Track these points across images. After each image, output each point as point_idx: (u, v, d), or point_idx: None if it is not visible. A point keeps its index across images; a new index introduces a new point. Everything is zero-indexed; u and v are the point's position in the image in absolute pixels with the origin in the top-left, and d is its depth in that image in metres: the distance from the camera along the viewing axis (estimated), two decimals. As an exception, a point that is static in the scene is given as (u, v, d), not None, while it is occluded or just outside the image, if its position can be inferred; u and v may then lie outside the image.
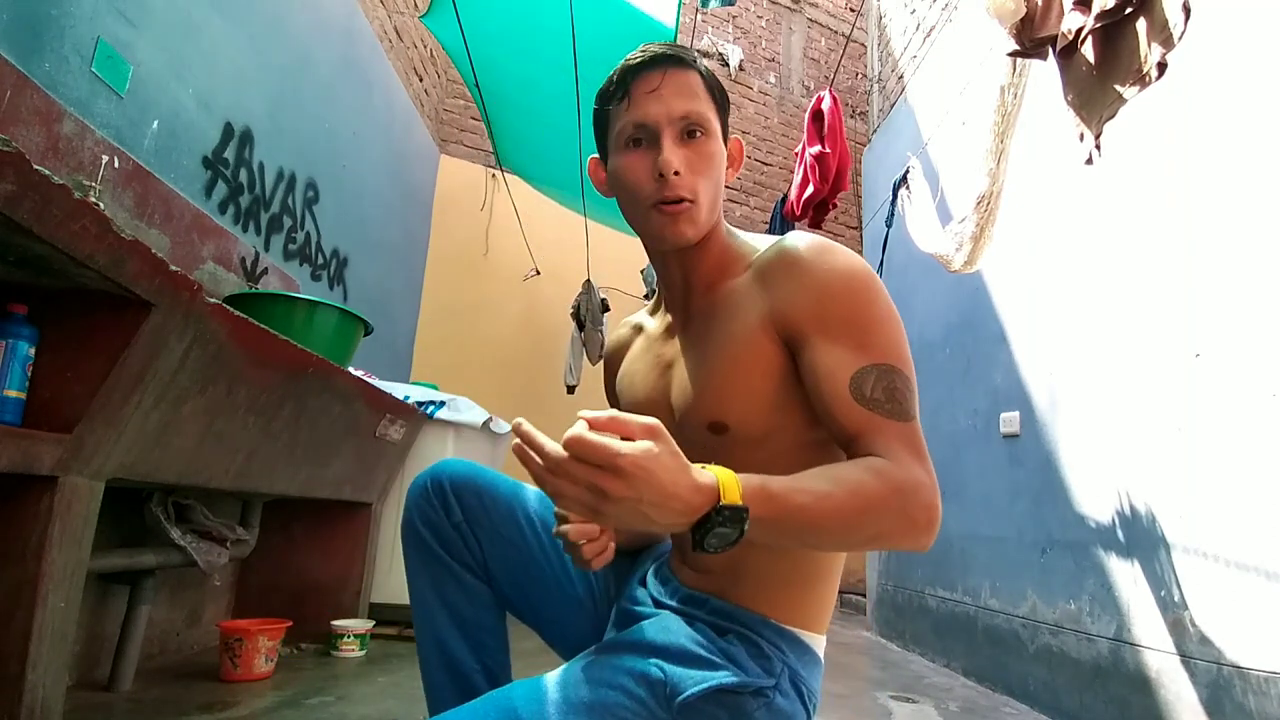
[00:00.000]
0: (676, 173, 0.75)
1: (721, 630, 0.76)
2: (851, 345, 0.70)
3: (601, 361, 1.16)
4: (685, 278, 0.84)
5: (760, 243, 0.83)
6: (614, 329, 1.06)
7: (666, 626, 0.77)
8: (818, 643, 0.81)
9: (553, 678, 0.72)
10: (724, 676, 0.70)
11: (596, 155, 0.87)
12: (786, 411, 0.75)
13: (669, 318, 0.90)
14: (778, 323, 0.74)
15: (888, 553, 3.50)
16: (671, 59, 0.77)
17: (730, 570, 0.80)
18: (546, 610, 0.94)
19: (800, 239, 0.77)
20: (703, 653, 0.73)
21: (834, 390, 0.69)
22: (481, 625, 0.93)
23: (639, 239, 0.84)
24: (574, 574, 0.93)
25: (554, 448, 0.55)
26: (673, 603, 0.83)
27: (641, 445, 0.55)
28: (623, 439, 0.55)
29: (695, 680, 0.70)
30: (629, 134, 0.78)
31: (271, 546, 2.19)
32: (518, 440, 0.58)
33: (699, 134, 0.77)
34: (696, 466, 0.58)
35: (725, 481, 0.58)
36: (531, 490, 0.96)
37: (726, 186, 0.84)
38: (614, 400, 0.98)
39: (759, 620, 0.77)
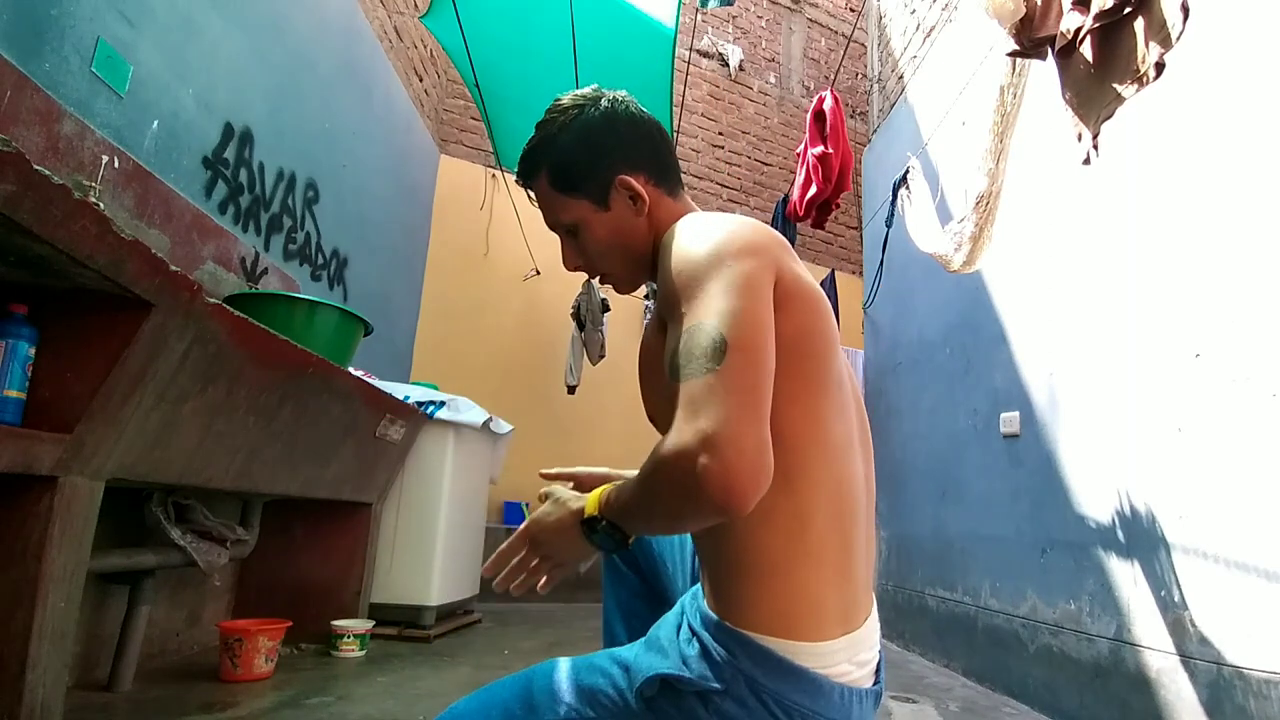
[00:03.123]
0: (577, 267, 0.89)
1: (692, 628, 0.73)
2: (675, 321, 0.67)
3: (601, 362, 1.23)
4: None
5: None
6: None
7: (666, 618, 0.79)
8: (791, 650, 0.67)
9: (578, 660, 0.78)
10: (664, 666, 0.69)
11: None
12: None
13: None
14: (659, 315, 0.76)
15: (887, 552, 3.49)
16: (522, 182, 0.90)
17: (705, 561, 0.76)
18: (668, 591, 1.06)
19: (678, 224, 0.78)
20: (665, 644, 0.74)
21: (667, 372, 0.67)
22: (633, 610, 1.07)
23: None
24: (673, 562, 1.04)
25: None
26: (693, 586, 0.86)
27: (537, 511, 0.79)
28: None
29: (646, 668, 0.71)
30: None
31: (271, 546, 2.19)
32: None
33: (573, 228, 0.86)
34: (580, 496, 0.78)
35: (590, 500, 0.75)
36: None
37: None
38: None
39: (712, 622, 0.70)
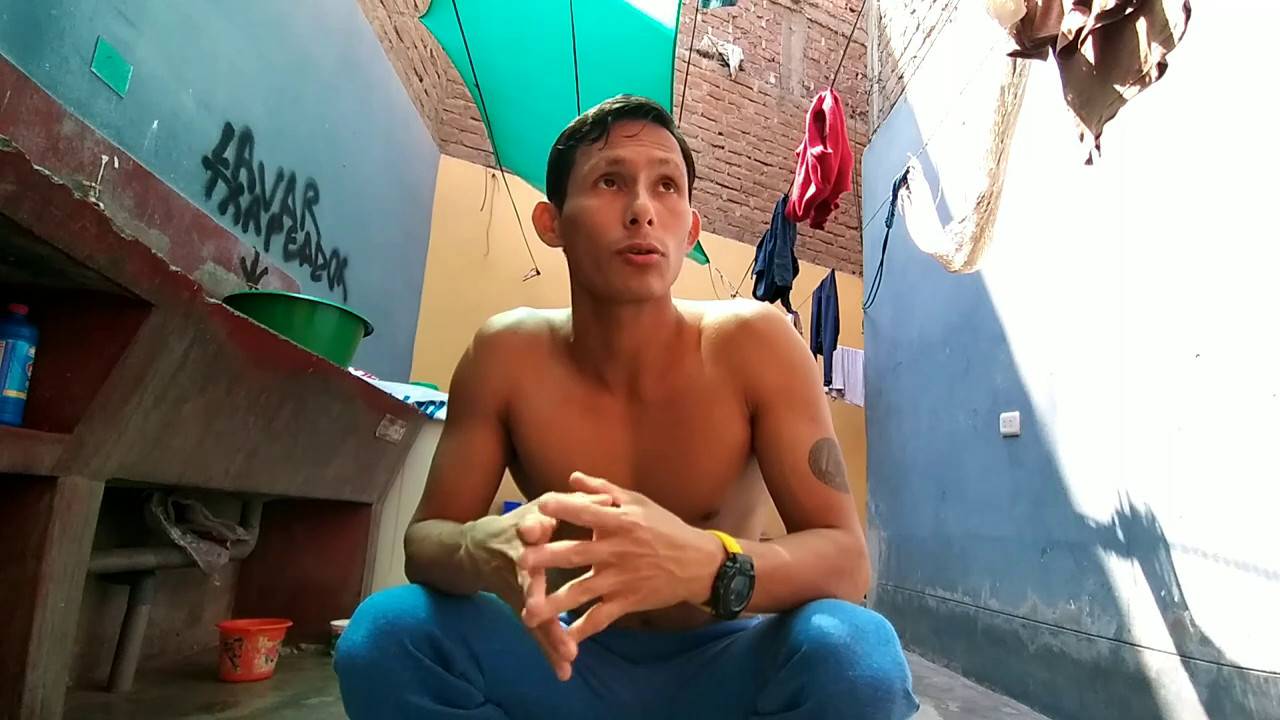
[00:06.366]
0: (651, 221, 0.71)
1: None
2: (807, 418, 0.75)
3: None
4: (636, 350, 0.77)
5: (695, 308, 0.82)
6: (499, 324, 0.86)
7: (735, 648, 0.75)
8: None
9: None
10: None
11: (546, 201, 0.82)
12: (759, 484, 0.80)
13: (602, 385, 0.80)
14: (749, 397, 0.77)
15: (888, 553, 3.49)
16: (654, 113, 0.75)
17: None
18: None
19: (754, 311, 0.79)
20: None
21: (795, 461, 0.73)
22: None
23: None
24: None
25: (566, 545, 0.54)
26: (669, 650, 0.82)
27: (630, 507, 0.57)
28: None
29: None
30: (601, 171, 0.73)
31: (271, 546, 2.19)
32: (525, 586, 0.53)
33: (673, 189, 0.75)
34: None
35: (722, 536, 0.61)
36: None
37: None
38: (530, 448, 0.81)
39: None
